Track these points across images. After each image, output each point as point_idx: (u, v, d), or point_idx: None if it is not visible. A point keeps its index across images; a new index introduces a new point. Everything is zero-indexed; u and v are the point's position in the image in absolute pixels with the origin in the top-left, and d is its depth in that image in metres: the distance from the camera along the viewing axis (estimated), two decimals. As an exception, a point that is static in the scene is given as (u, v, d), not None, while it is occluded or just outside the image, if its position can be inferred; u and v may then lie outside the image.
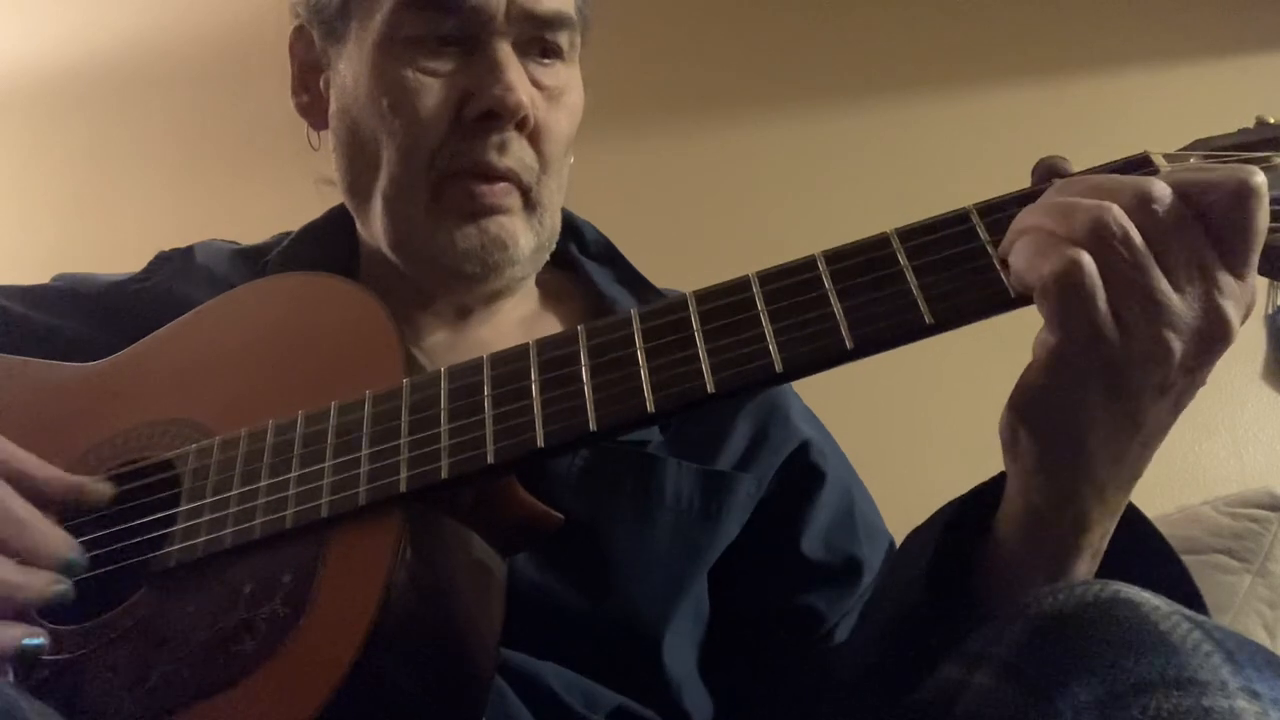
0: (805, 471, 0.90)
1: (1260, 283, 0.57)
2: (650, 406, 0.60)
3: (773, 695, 0.86)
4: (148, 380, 0.77)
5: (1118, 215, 0.54)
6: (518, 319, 0.93)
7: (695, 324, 0.61)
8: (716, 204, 2.06)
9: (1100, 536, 0.62)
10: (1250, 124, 0.60)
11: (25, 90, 2.25)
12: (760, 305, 0.60)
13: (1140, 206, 0.54)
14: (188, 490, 0.67)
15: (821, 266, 0.60)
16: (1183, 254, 0.54)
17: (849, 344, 0.58)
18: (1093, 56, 2.09)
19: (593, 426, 0.60)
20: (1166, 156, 0.59)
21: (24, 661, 0.61)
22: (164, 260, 0.97)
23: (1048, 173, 0.61)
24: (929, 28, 2.14)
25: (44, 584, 0.62)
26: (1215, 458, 1.93)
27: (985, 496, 0.67)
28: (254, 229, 1.03)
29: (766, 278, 0.61)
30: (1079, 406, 0.56)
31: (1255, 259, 0.55)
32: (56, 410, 0.77)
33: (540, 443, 0.61)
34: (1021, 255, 0.56)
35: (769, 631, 0.87)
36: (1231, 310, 0.55)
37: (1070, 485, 0.59)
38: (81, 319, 0.91)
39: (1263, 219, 0.54)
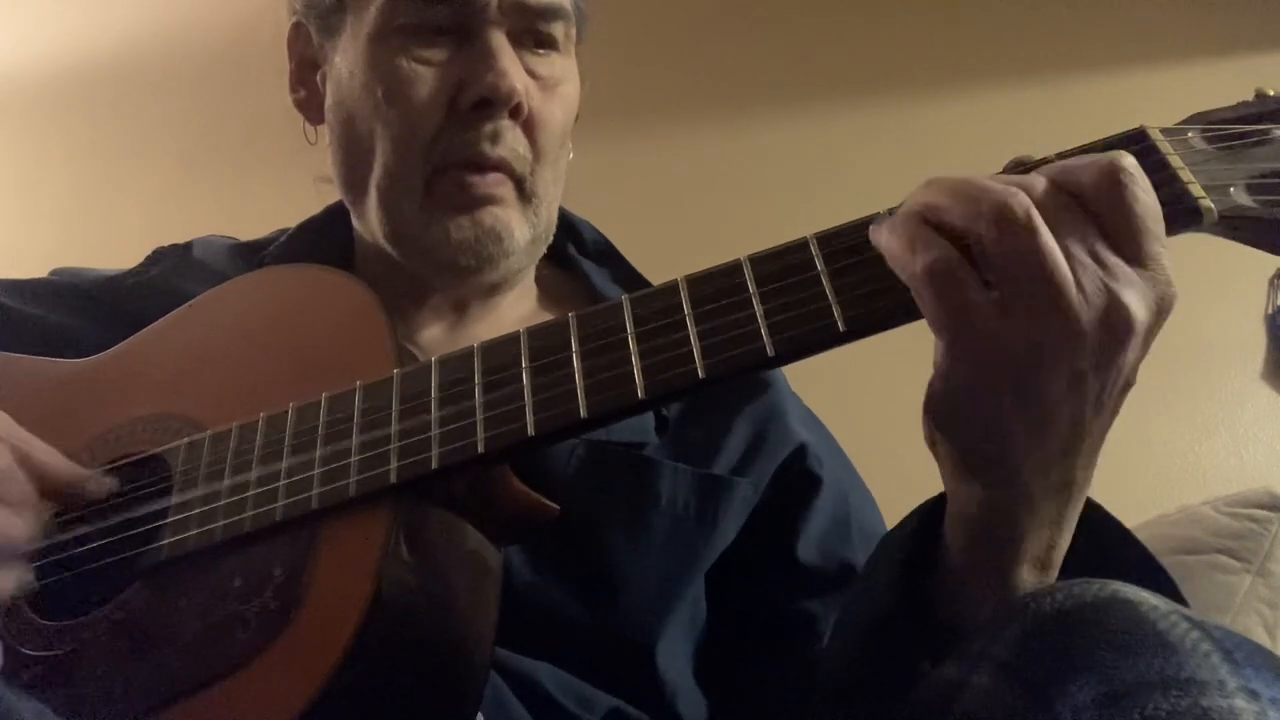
0: (801, 476, 0.89)
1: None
2: (641, 393, 0.59)
3: (767, 700, 0.85)
4: (141, 375, 0.77)
5: (999, 196, 0.51)
6: (515, 317, 0.92)
7: (686, 308, 0.60)
8: (716, 204, 2.06)
9: (1043, 545, 0.60)
10: (1249, 97, 0.59)
11: (25, 90, 2.26)
12: (752, 289, 0.59)
13: (1008, 200, 0.52)
14: (179, 484, 0.67)
15: (814, 248, 0.59)
16: (1067, 239, 0.52)
17: (842, 326, 0.56)
18: (1093, 56, 2.09)
19: (583, 414, 0.59)
20: (1163, 130, 0.57)
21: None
22: (161, 255, 0.96)
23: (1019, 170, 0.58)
24: (929, 28, 2.14)
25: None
26: (1215, 458, 1.92)
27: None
28: (253, 227, 1.03)
29: (758, 260, 0.60)
30: (988, 412, 0.55)
31: (1148, 243, 0.52)
32: (50, 406, 0.77)
33: (531, 431, 0.60)
34: (893, 245, 0.54)
35: (764, 636, 0.87)
36: (1132, 298, 0.52)
37: (994, 492, 0.58)
38: (76, 314, 0.91)
39: (1143, 198, 0.52)
